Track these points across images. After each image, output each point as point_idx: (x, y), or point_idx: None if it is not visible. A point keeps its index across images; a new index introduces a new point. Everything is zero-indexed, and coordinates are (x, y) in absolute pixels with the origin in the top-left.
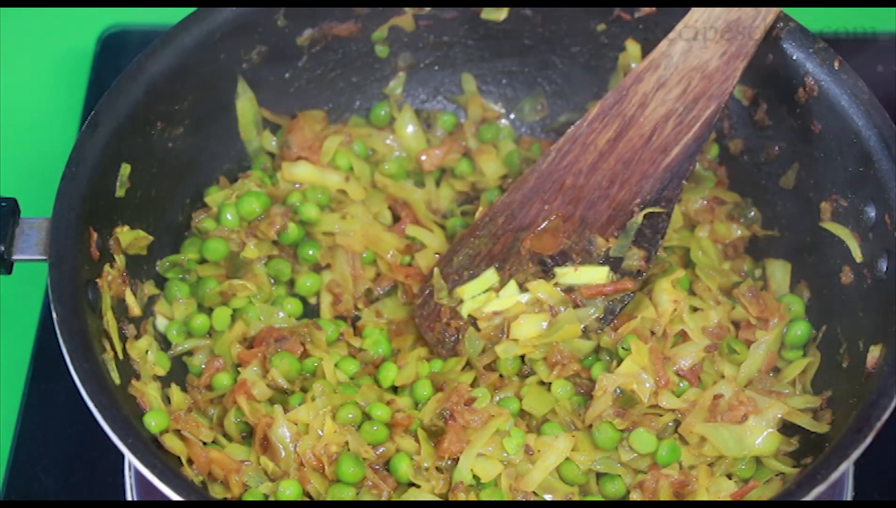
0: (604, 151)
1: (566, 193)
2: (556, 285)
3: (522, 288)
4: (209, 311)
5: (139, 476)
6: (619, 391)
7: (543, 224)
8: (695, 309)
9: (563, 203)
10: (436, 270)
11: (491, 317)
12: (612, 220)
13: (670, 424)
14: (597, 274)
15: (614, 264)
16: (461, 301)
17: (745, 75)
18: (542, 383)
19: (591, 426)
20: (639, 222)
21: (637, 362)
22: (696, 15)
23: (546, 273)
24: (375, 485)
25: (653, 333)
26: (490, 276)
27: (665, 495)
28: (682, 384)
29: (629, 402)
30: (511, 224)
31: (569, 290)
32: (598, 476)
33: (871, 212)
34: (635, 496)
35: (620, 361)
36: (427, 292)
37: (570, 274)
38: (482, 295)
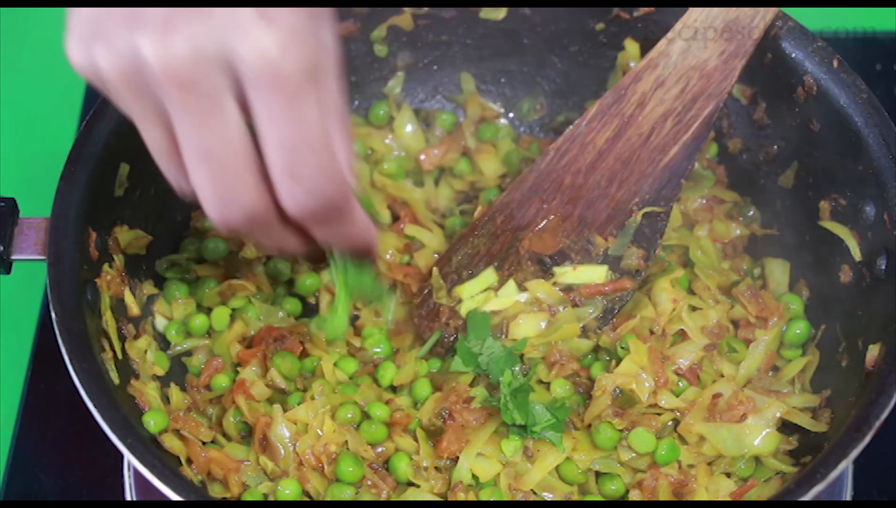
0: (602, 150)
1: (565, 192)
2: (554, 284)
3: (521, 287)
4: (208, 311)
5: (138, 476)
6: (618, 390)
7: (542, 223)
8: (694, 308)
9: (561, 203)
10: (434, 269)
11: (489, 316)
12: (611, 219)
13: (669, 423)
14: (595, 273)
15: (613, 263)
16: (460, 301)
17: (744, 74)
18: (540, 382)
19: (590, 425)
20: (637, 222)
21: (636, 361)
22: (695, 14)
23: (545, 273)
24: (375, 485)
25: (652, 332)
26: (489, 275)
27: (664, 494)
28: (681, 384)
29: (628, 402)
30: (510, 223)
31: (567, 289)
32: (598, 475)
33: (870, 211)
34: (634, 495)
35: (619, 360)
36: (426, 291)
37: (568, 273)
38: (481, 295)
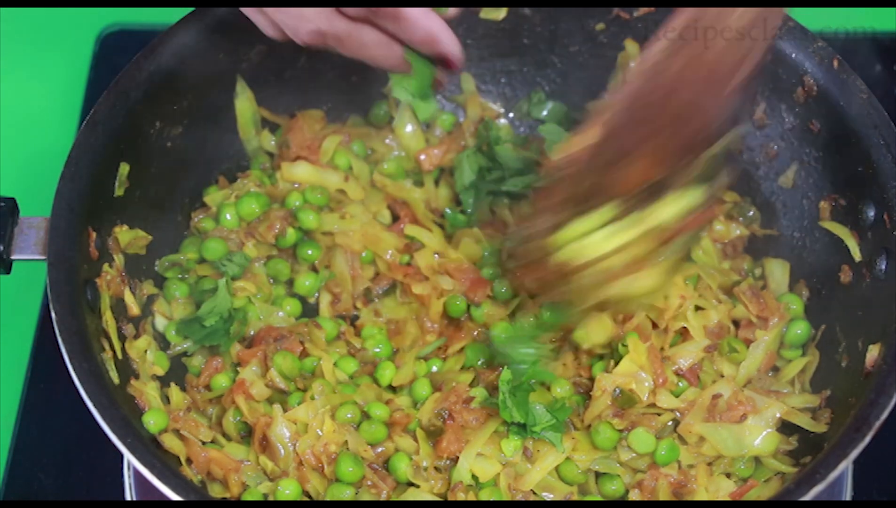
0: (676, 79)
1: (647, 124)
2: (643, 222)
3: (613, 228)
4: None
5: (138, 476)
6: (618, 390)
7: (626, 160)
8: (698, 308)
9: (646, 135)
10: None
11: (587, 267)
12: (690, 149)
13: (669, 423)
14: (691, 198)
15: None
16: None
17: None
18: (540, 383)
19: (589, 426)
20: (716, 151)
21: (635, 361)
22: None
23: (636, 209)
24: (375, 485)
25: (655, 326)
26: (591, 218)
27: (664, 494)
28: (681, 384)
29: (628, 402)
30: (595, 162)
31: (656, 229)
32: (598, 475)
33: (870, 211)
34: (634, 495)
35: (619, 360)
36: (524, 236)
37: (659, 207)
38: (580, 240)
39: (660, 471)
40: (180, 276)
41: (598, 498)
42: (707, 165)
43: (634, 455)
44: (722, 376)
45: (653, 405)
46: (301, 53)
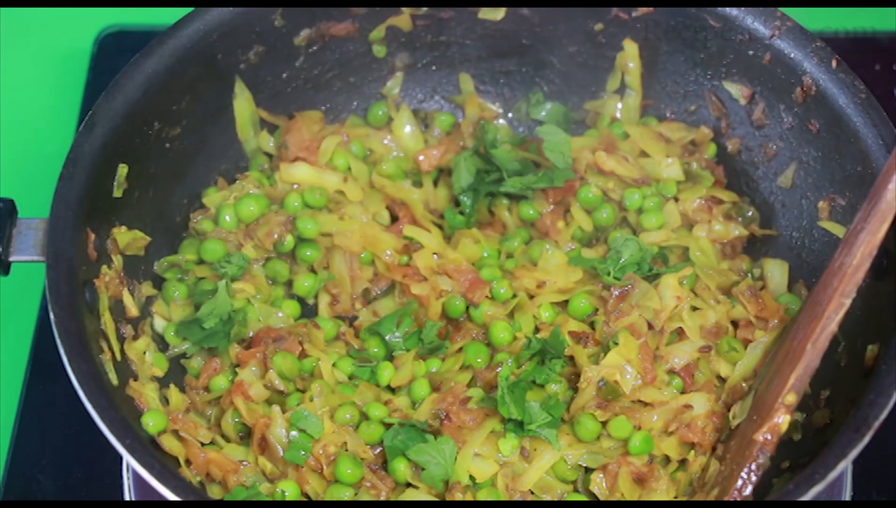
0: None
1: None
2: None
3: None
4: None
5: (137, 477)
6: (602, 382)
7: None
8: (694, 309)
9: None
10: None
11: None
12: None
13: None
14: None
15: None
16: None
17: (743, 74)
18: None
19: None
20: None
21: (622, 354)
22: None
23: None
24: (374, 485)
25: (651, 327)
26: None
27: (624, 481)
28: (674, 382)
29: (612, 393)
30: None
31: None
32: (586, 470)
33: None
34: (598, 479)
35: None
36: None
37: None
38: None
39: (626, 459)
40: (179, 277)
41: (583, 498)
42: None
43: (615, 444)
44: (719, 376)
45: (638, 401)
46: (299, 54)
